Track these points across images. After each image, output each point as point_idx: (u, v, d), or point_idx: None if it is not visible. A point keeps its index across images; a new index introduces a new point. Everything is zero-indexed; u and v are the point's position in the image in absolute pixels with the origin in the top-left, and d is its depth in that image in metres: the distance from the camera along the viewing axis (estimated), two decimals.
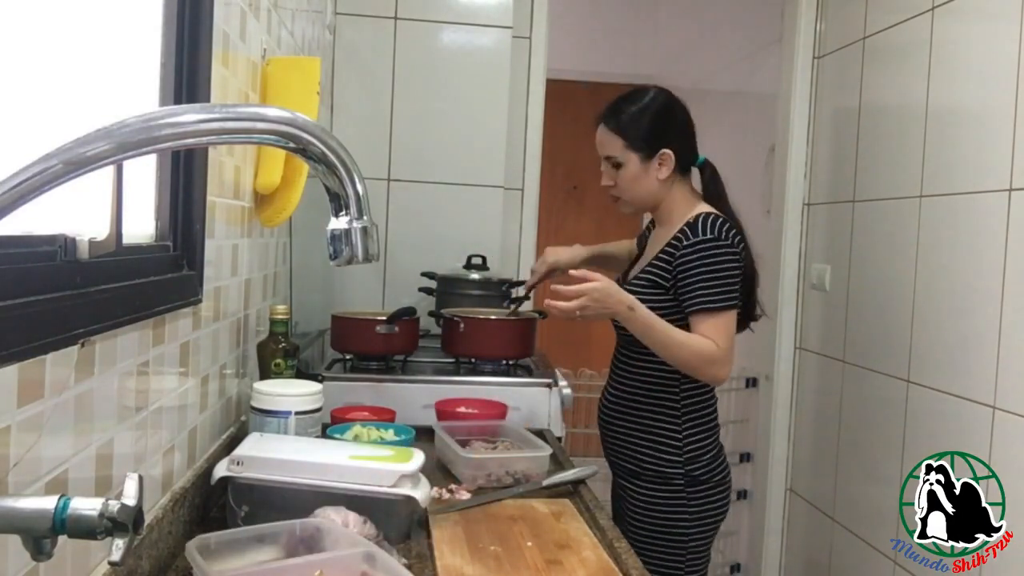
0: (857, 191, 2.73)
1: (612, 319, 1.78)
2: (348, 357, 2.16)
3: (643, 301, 1.75)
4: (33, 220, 0.78)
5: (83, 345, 0.85)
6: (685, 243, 1.77)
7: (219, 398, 1.47)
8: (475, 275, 2.62)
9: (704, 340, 1.73)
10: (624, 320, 1.74)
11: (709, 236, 1.76)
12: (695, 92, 3.11)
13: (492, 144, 2.88)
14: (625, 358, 1.90)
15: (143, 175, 1.17)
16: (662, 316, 1.76)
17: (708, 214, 1.80)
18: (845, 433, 2.76)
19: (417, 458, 1.29)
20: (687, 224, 1.79)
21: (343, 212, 0.70)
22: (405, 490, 1.24)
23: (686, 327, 1.77)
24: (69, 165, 0.57)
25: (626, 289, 1.78)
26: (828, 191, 2.94)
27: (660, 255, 1.82)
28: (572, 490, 1.53)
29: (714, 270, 1.74)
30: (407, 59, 2.83)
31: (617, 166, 1.85)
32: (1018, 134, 1.99)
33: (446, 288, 2.63)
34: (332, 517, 1.15)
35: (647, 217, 2.04)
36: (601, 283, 1.69)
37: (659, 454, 1.85)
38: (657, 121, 1.85)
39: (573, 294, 1.68)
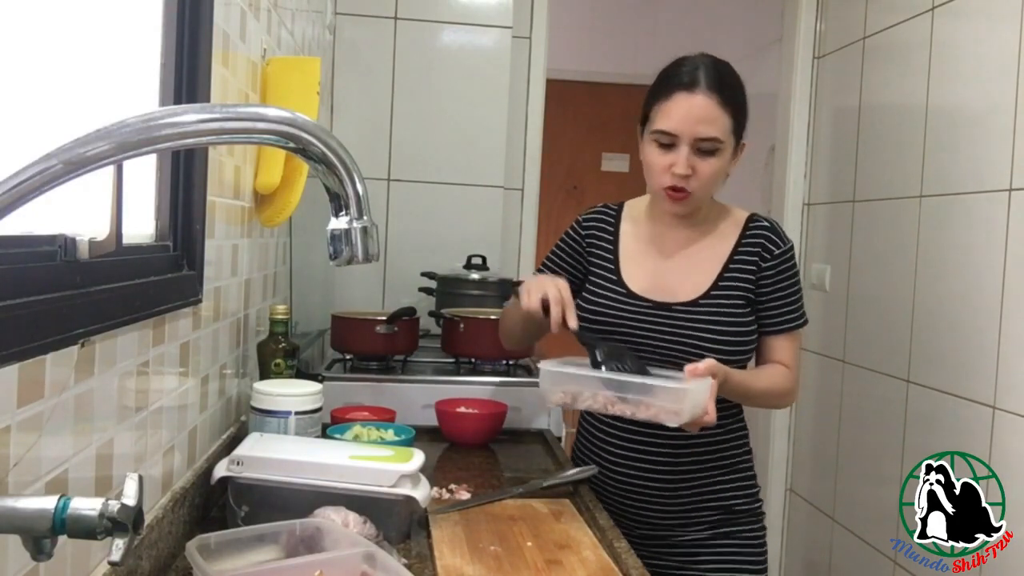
0: (857, 191, 2.73)
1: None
2: (348, 357, 2.16)
3: (735, 323, 1.51)
4: (33, 220, 0.78)
5: (83, 345, 0.85)
6: (776, 252, 1.54)
7: (219, 398, 1.47)
8: (475, 275, 2.62)
9: (779, 373, 1.54)
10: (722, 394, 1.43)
11: (791, 244, 1.56)
12: None
13: (492, 144, 2.88)
14: None
15: (143, 175, 1.17)
16: (748, 337, 1.53)
17: (770, 218, 1.60)
18: (845, 433, 2.76)
19: (417, 458, 1.29)
20: (767, 229, 1.56)
21: (343, 212, 0.70)
22: (405, 490, 1.24)
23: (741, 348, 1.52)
24: (69, 165, 0.57)
25: (701, 309, 1.51)
26: (828, 191, 2.95)
27: (736, 266, 1.54)
28: (572, 490, 1.53)
29: (798, 283, 1.57)
30: (407, 59, 2.83)
31: (710, 152, 1.46)
32: (1018, 134, 1.99)
33: (446, 288, 2.63)
34: (332, 517, 1.15)
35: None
36: (716, 375, 1.37)
37: (745, 489, 1.61)
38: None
39: (711, 407, 1.35)
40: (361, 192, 0.70)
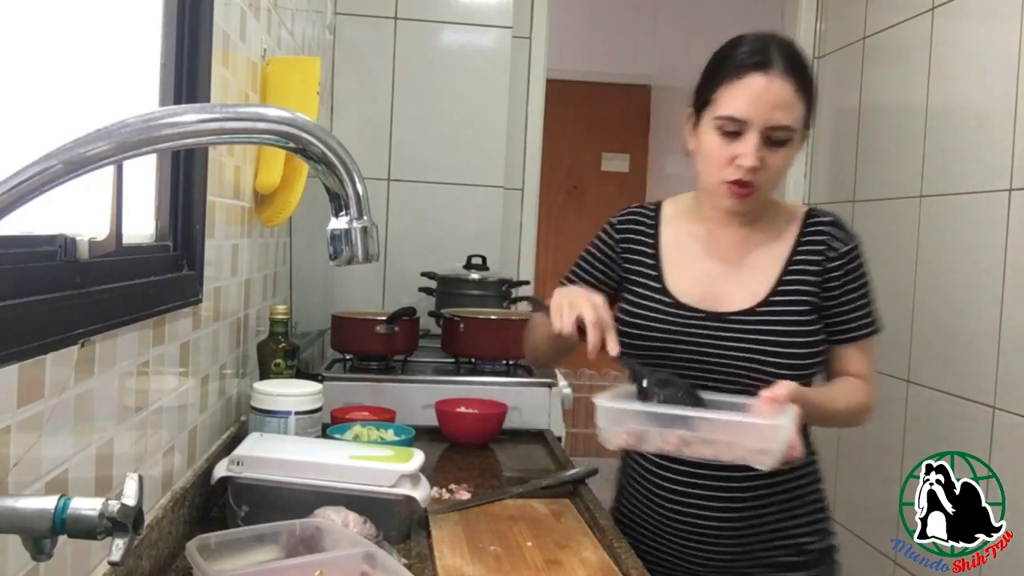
0: (857, 191, 2.73)
1: None
2: (348, 357, 2.16)
3: (801, 332, 1.33)
4: (33, 220, 0.78)
5: (83, 345, 0.85)
6: (842, 250, 1.36)
7: (219, 398, 1.47)
8: (475, 275, 2.63)
9: (856, 387, 1.37)
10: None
11: (858, 240, 1.39)
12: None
13: (492, 144, 2.88)
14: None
15: (143, 175, 1.17)
16: (815, 349, 1.34)
17: (832, 212, 1.44)
18: (845, 433, 2.76)
19: (417, 458, 1.29)
20: (830, 224, 1.38)
21: (343, 212, 0.70)
22: (405, 490, 1.24)
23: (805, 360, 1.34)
24: (69, 165, 0.57)
25: (760, 319, 1.33)
26: (828, 191, 2.94)
27: (797, 267, 1.36)
28: (572, 490, 1.53)
29: (868, 283, 1.39)
30: (407, 59, 2.83)
31: (781, 143, 1.29)
32: (1018, 134, 1.99)
33: (446, 288, 2.63)
34: (332, 517, 1.15)
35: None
36: (796, 400, 1.19)
37: (817, 523, 1.46)
38: None
39: (796, 439, 1.16)
40: (361, 192, 0.70)
